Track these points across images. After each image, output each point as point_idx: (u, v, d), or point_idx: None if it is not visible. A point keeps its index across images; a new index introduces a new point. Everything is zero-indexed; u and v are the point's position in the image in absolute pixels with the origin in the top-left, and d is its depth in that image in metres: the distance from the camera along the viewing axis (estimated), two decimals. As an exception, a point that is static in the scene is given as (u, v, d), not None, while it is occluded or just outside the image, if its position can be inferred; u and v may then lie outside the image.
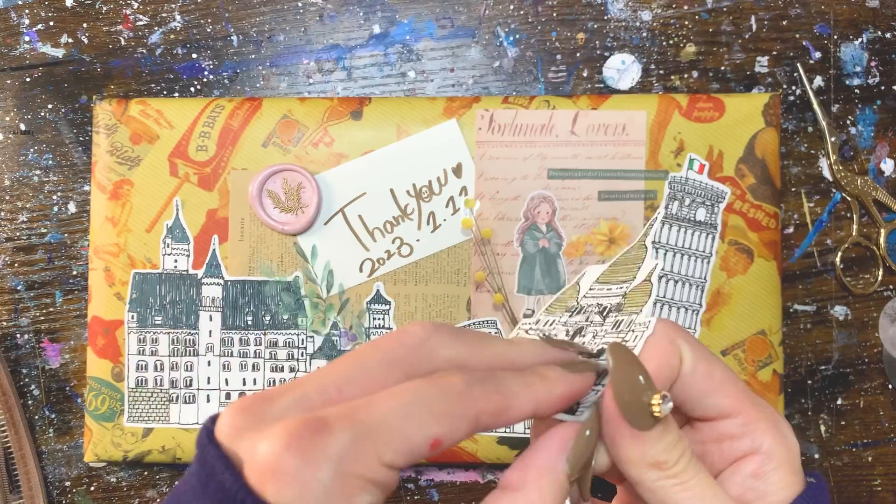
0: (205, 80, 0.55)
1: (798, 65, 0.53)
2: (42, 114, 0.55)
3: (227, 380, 0.52)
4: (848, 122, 0.53)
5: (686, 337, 0.28)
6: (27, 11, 0.55)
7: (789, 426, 0.29)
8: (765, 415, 0.28)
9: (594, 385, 0.27)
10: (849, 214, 0.53)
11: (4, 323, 0.55)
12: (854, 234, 0.53)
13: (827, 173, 0.53)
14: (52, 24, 0.55)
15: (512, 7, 0.54)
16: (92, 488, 0.54)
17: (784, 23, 0.54)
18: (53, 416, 0.54)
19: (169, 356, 0.52)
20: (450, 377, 0.24)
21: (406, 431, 0.22)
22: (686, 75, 0.54)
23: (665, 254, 0.51)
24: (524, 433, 0.50)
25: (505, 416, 0.24)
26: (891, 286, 0.53)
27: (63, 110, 0.55)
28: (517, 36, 0.54)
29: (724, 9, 0.54)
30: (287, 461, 0.21)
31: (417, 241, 0.51)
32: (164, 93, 0.55)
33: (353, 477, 0.22)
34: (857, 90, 0.54)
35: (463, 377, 0.24)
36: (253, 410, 0.23)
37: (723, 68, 0.54)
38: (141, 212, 0.52)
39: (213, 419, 0.24)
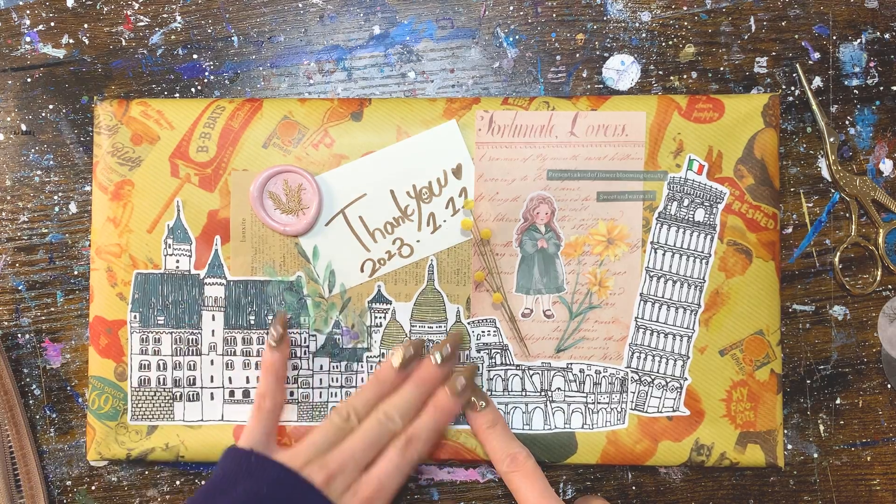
0: (205, 80, 0.55)
1: (797, 65, 0.54)
2: (43, 114, 0.55)
3: (230, 378, 0.52)
4: (847, 122, 0.54)
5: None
6: (28, 12, 0.56)
7: None
8: None
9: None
10: (847, 214, 0.53)
11: (6, 323, 0.55)
12: (853, 234, 0.53)
13: (826, 173, 0.54)
14: (53, 24, 0.55)
15: (512, 8, 0.54)
16: (93, 487, 0.54)
17: (783, 23, 0.54)
18: (54, 415, 0.55)
19: (172, 356, 0.52)
20: None
21: None
22: (685, 76, 0.54)
23: (664, 254, 0.51)
24: (522, 429, 0.51)
25: None
26: (889, 286, 0.53)
27: (64, 111, 0.55)
28: (517, 37, 0.54)
29: (723, 9, 0.54)
30: None
31: (418, 241, 0.51)
32: (165, 93, 0.55)
33: None
34: (855, 91, 0.54)
35: None
36: None
37: (722, 69, 0.54)
38: (142, 212, 0.52)
39: None
